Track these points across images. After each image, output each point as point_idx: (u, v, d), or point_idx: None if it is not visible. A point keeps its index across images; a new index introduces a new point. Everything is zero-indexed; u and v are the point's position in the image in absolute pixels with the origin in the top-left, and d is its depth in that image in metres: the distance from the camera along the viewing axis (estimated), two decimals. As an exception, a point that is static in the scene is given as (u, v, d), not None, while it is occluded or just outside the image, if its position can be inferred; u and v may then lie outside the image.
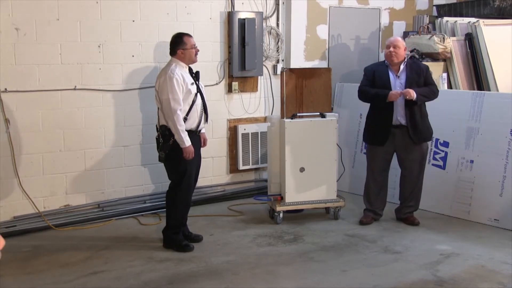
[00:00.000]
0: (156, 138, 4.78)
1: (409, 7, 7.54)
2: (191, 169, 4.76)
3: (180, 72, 4.64)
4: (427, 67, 5.41)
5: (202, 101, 4.79)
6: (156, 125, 4.82)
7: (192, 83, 4.71)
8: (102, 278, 4.25)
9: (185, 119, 4.64)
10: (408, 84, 5.18)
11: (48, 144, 5.34)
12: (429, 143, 5.52)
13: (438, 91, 5.31)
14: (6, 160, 5.13)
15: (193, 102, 4.68)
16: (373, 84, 5.32)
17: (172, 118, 4.56)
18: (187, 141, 4.60)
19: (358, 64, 7.10)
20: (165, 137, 4.65)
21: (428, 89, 5.23)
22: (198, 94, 4.75)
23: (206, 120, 4.90)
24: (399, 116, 5.21)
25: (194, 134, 4.76)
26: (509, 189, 5.26)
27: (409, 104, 5.15)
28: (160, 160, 4.78)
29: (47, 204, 5.40)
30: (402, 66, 5.27)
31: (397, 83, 5.24)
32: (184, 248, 4.75)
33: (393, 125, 5.23)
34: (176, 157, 4.67)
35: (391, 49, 5.21)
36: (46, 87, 5.26)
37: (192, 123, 4.72)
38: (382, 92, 5.20)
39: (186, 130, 4.63)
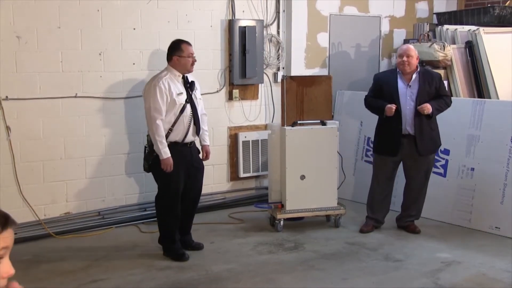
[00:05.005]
0: (145, 146, 4.73)
1: (409, 15, 7.56)
2: (176, 182, 4.61)
3: (168, 81, 4.52)
4: (439, 76, 5.29)
5: (193, 112, 4.64)
6: None
7: (180, 93, 4.55)
8: (102, 286, 4.23)
9: (170, 130, 4.52)
10: (420, 96, 5.07)
11: (49, 151, 5.34)
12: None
13: (451, 102, 5.24)
14: (6, 168, 5.13)
15: (181, 113, 4.54)
16: (381, 92, 5.26)
17: (151, 128, 4.45)
18: (164, 153, 4.46)
19: (358, 71, 7.11)
20: (151, 147, 4.57)
21: (443, 102, 5.15)
22: (188, 105, 4.60)
23: (198, 132, 4.73)
24: (408, 126, 5.12)
25: (183, 146, 4.63)
26: (510, 197, 5.25)
27: (419, 114, 5.07)
28: (144, 169, 4.74)
29: (48, 212, 5.40)
30: (414, 76, 5.14)
31: (408, 92, 5.12)
32: (180, 257, 4.67)
33: (402, 134, 5.15)
34: (158, 167, 4.55)
35: (404, 58, 5.09)
36: (47, 95, 5.26)
37: (176, 135, 4.57)
38: (381, 105, 5.14)
39: (171, 142, 4.53)
